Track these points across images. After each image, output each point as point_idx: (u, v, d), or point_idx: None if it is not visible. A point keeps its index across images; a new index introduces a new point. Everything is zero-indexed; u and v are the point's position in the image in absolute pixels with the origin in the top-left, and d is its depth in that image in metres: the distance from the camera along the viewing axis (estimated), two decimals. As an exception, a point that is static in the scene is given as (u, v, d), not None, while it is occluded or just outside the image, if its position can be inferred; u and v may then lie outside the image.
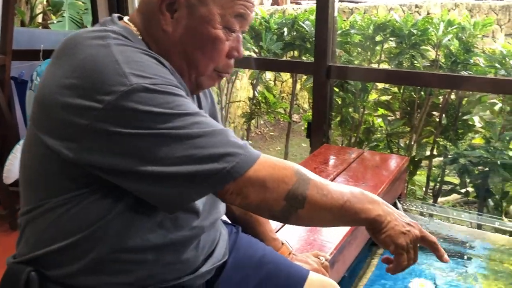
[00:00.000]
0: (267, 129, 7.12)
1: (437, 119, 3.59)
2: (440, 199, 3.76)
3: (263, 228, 1.30)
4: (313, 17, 3.72)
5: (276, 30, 4.25)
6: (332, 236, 1.64)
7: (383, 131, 3.72)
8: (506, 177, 3.12)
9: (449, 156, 3.44)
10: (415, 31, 3.51)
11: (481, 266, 2.08)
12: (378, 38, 3.72)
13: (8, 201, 2.44)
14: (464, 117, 3.49)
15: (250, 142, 5.73)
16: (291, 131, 4.88)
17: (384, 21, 3.67)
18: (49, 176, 0.86)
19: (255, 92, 4.84)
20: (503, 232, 2.40)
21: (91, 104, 0.79)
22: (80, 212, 0.86)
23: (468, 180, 3.37)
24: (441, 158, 3.69)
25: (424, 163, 3.79)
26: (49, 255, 0.88)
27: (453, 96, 3.57)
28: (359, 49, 3.91)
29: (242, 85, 6.18)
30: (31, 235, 0.92)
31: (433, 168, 3.80)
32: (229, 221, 1.27)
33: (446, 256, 0.96)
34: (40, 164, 0.87)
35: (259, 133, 7.00)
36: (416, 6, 8.18)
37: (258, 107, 4.81)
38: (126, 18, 0.96)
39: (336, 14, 2.74)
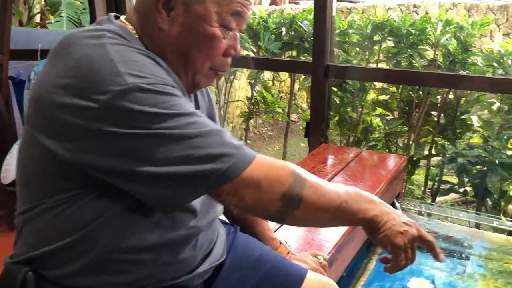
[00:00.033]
0: (266, 128, 7.13)
1: (435, 119, 3.59)
2: (438, 199, 3.76)
3: (261, 228, 1.29)
4: (311, 16, 3.72)
5: (274, 30, 4.25)
6: (331, 235, 1.64)
7: (382, 131, 3.72)
8: (504, 176, 3.12)
9: (447, 156, 3.44)
10: (413, 31, 3.52)
11: (480, 266, 2.08)
12: (376, 38, 3.72)
13: (6, 201, 2.44)
14: (462, 117, 3.50)
15: (248, 142, 5.74)
16: (289, 130, 4.88)
17: (382, 20, 3.67)
18: (46, 176, 0.86)
19: (254, 91, 4.84)
20: (502, 231, 2.41)
21: (86, 104, 0.78)
22: (76, 212, 0.85)
23: (466, 180, 3.37)
24: (439, 158, 3.69)
25: (423, 162, 3.80)
26: (46, 255, 0.88)
27: (451, 96, 3.57)
28: (357, 49, 3.91)
29: (241, 85, 6.18)
30: (28, 235, 0.91)
31: (432, 168, 3.80)
32: (227, 221, 1.27)
33: (442, 256, 0.96)
34: (36, 164, 0.87)
35: (258, 132, 7.00)
36: (414, 6, 8.19)
37: (257, 107, 4.81)
38: (122, 17, 0.96)
39: (334, 13, 2.74)
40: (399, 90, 3.68)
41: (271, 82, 6.13)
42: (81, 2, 5.22)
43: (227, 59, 0.97)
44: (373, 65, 3.82)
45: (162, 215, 0.89)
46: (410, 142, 3.65)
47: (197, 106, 1.06)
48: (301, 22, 4.06)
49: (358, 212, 0.90)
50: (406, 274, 1.99)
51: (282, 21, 4.28)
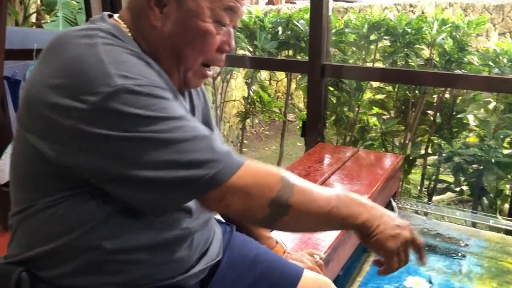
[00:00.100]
0: (262, 128, 7.13)
1: (432, 118, 3.59)
2: (434, 198, 3.77)
3: (257, 227, 1.29)
4: (307, 16, 3.72)
5: (270, 29, 4.25)
6: (327, 234, 1.63)
7: (378, 130, 3.72)
8: (500, 175, 3.12)
9: (444, 155, 3.45)
10: (409, 30, 3.52)
11: (476, 264, 2.09)
12: (372, 37, 3.72)
13: (1, 201, 2.42)
14: (459, 116, 3.50)
15: (245, 141, 5.74)
16: (286, 130, 4.88)
17: (379, 20, 3.67)
18: (38, 177, 0.86)
19: (250, 91, 4.83)
20: (498, 230, 2.41)
21: (75, 105, 0.78)
22: (70, 212, 0.85)
23: (462, 179, 3.37)
24: (436, 157, 3.69)
25: (419, 161, 3.80)
26: (41, 256, 0.88)
27: (447, 95, 3.58)
28: (354, 48, 3.91)
29: (237, 84, 6.18)
30: (22, 236, 0.91)
31: (428, 167, 3.80)
32: (223, 220, 1.27)
33: (425, 260, 0.95)
34: (29, 164, 0.86)
35: (254, 132, 7.00)
36: (411, 5, 8.20)
37: (253, 107, 4.80)
38: (116, 16, 0.96)
39: (330, 13, 2.74)
40: (396, 90, 3.68)
41: (267, 82, 6.13)
42: (77, 2, 5.20)
43: (221, 55, 0.97)
44: (369, 65, 3.82)
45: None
46: (407, 141, 3.66)
47: (192, 106, 1.06)
48: (298, 22, 4.05)
49: (349, 217, 0.89)
50: (403, 272, 1.99)
51: (278, 20, 4.28)
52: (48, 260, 0.88)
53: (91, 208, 0.85)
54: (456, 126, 3.54)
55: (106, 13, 0.96)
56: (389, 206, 2.46)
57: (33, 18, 5.54)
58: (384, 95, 3.80)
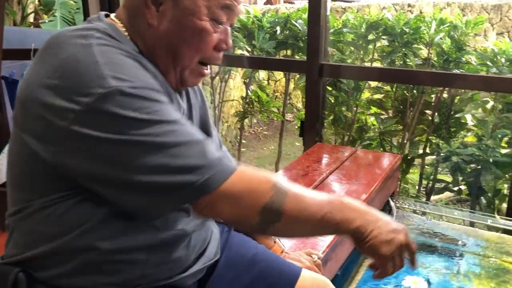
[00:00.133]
0: (261, 128, 7.12)
1: (430, 118, 3.59)
2: (433, 197, 3.77)
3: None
4: (305, 15, 3.71)
5: (268, 29, 4.24)
6: (325, 234, 1.63)
7: (376, 130, 3.72)
8: (498, 175, 3.13)
9: (442, 154, 3.45)
10: (407, 30, 3.52)
11: (474, 264, 2.09)
12: (370, 37, 3.72)
13: (-1, 201, 2.42)
14: (457, 115, 3.50)
15: (243, 141, 5.73)
16: (284, 130, 4.88)
17: (377, 19, 3.67)
18: (35, 177, 0.85)
19: (248, 91, 4.83)
20: (496, 229, 2.41)
21: (69, 106, 0.78)
22: (67, 213, 0.85)
23: (460, 178, 3.38)
24: (434, 156, 3.69)
25: (417, 161, 3.80)
26: (38, 256, 0.88)
27: (445, 95, 3.58)
28: (352, 48, 3.91)
29: (235, 84, 6.18)
30: (19, 236, 0.91)
31: (426, 166, 3.81)
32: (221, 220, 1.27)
33: (416, 265, 0.95)
34: (25, 164, 0.86)
35: (253, 132, 7.00)
36: (409, 5, 8.20)
37: (251, 106, 4.80)
38: (112, 15, 0.95)
39: (328, 13, 2.75)
40: (394, 89, 3.68)
41: (266, 82, 6.13)
42: (74, 2, 5.19)
43: (218, 53, 0.97)
44: (367, 64, 3.82)
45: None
46: (405, 141, 3.66)
47: (190, 105, 1.06)
48: (296, 21, 4.05)
49: (342, 223, 0.88)
50: (401, 272, 1.98)
51: (276, 20, 4.27)
52: (45, 260, 0.88)
53: (88, 209, 0.85)
54: (454, 126, 3.54)
55: (103, 12, 0.96)
56: (387, 206, 2.46)
57: (31, 18, 5.54)
58: (382, 95, 3.80)
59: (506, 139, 3.26)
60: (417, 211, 2.55)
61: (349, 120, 3.83)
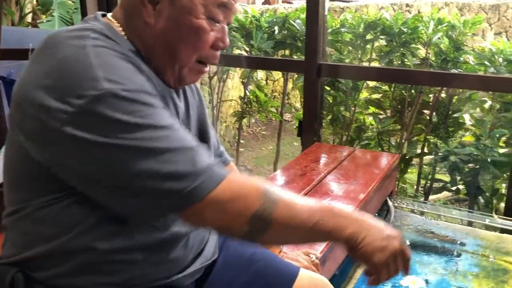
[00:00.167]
0: (259, 128, 7.12)
1: (428, 117, 3.60)
2: (431, 197, 3.78)
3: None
4: (304, 15, 3.72)
5: (267, 29, 4.24)
6: (323, 234, 1.63)
7: (374, 129, 3.72)
8: (496, 175, 3.13)
9: (440, 154, 3.45)
10: (405, 30, 3.52)
11: (472, 263, 2.09)
12: (368, 37, 3.73)
13: (-3, 202, 2.41)
14: (455, 115, 3.51)
15: (242, 141, 5.73)
16: (282, 130, 4.88)
17: (375, 19, 3.67)
18: (31, 178, 0.85)
19: (247, 91, 4.83)
20: (494, 229, 2.41)
21: (62, 107, 0.77)
22: (64, 213, 0.85)
23: (458, 178, 3.38)
24: (432, 156, 3.70)
25: (415, 161, 3.81)
26: (35, 256, 0.87)
27: (443, 94, 3.58)
28: (350, 48, 3.91)
29: (234, 84, 6.18)
30: (16, 236, 0.91)
31: (424, 166, 3.81)
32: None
33: (409, 272, 0.94)
34: (21, 165, 0.86)
35: (251, 132, 7.00)
36: (407, 5, 8.22)
37: (250, 106, 4.80)
38: (109, 15, 0.95)
39: (326, 12, 2.74)
40: (392, 89, 3.68)
41: (264, 81, 6.13)
42: (72, 2, 5.19)
43: (215, 51, 0.96)
44: (365, 64, 3.83)
45: None
46: (403, 141, 3.66)
47: (187, 104, 1.06)
48: (294, 21, 4.05)
49: (334, 230, 0.86)
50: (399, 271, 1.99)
51: (274, 20, 4.28)
52: (43, 260, 0.88)
53: (82, 210, 0.85)
54: (452, 125, 3.54)
55: (100, 12, 0.96)
56: (385, 206, 2.46)
57: (29, 18, 5.54)
58: (380, 95, 3.80)
59: (504, 138, 3.26)
60: (415, 211, 2.55)
61: (347, 120, 3.83)
